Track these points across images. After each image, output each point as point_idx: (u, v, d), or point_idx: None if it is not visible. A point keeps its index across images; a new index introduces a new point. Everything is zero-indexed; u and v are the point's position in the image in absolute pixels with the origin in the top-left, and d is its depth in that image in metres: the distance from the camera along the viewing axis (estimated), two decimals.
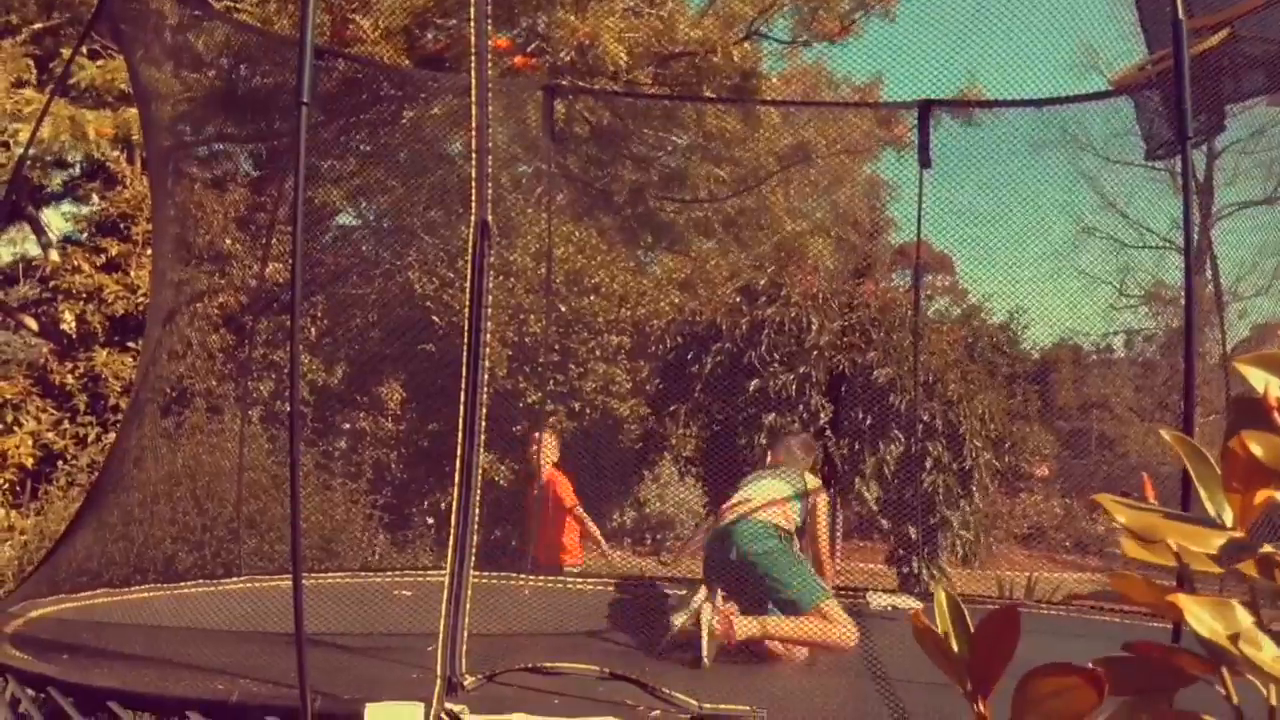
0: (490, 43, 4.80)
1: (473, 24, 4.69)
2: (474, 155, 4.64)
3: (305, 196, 9.86)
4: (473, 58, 4.68)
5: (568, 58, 10.67)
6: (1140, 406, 25.26)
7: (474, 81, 4.66)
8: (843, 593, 8.15)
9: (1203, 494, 1.39)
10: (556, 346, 9.71)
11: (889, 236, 14.30)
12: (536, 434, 8.66)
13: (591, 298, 10.31)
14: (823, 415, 9.81)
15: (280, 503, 8.76)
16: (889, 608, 7.44)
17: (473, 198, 4.63)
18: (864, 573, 11.02)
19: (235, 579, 7.53)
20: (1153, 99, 7.04)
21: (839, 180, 12.99)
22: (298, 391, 4.37)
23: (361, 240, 11.93)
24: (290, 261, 4.37)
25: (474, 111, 4.65)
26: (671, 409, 9.88)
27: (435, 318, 10.06)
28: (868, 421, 9.92)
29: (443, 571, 7.88)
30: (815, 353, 9.92)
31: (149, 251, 11.29)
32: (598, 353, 10.13)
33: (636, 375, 10.41)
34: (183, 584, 7.32)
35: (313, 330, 10.21)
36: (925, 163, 7.96)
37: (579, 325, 10.20)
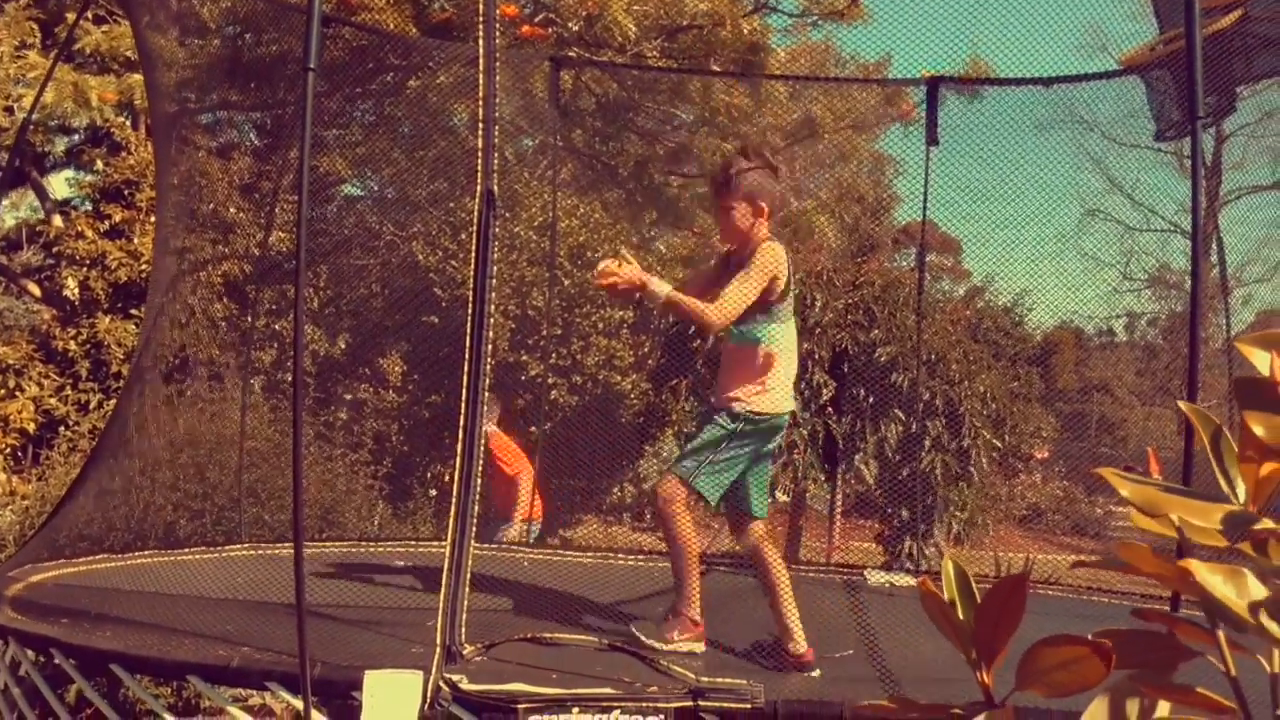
0: (498, 11, 4.76)
1: None
2: (481, 125, 4.62)
3: (310, 165, 9.88)
4: (481, 25, 4.67)
5: (575, 28, 10.63)
6: (1141, 390, 25.30)
7: (482, 50, 4.65)
8: (840, 570, 8.20)
9: (1215, 467, 1.40)
10: (559, 320, 9.69)
11: (894, 214, 14.31)
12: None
13: (595, 272, 10.30)
14: (825, 393, 9.82)
15: (281, 472, 8.78)
16: (887, 584, 7.46)
17: (479, 168, 4.62)
18: (860, 551, 11.05)
19: (236, 546, 7.55)
20: (1163, 79, 7.01)
21: (845, 157, 12.96)
22: (301, 361, 4.38)
23: (365, 210, 11.92)
24: (295, 230, 4.36)
25: (482, 80, 4.64)
26: (673, 384, 9.90)
27: (438, 289, 10.06)
28: (869, 400, 9.94)
29: (443, 543, 7.95)
30: (818, 330, 9.93)
31: (153, 218, 11.29)
32: (600, 327, 10.13)
33: (638, 350, 10.41)
34: (184, 550, 7.33)
35: (316, 300, 10.21)
36: (933, 140, 7.93)
37: (582, 299, 10.19)
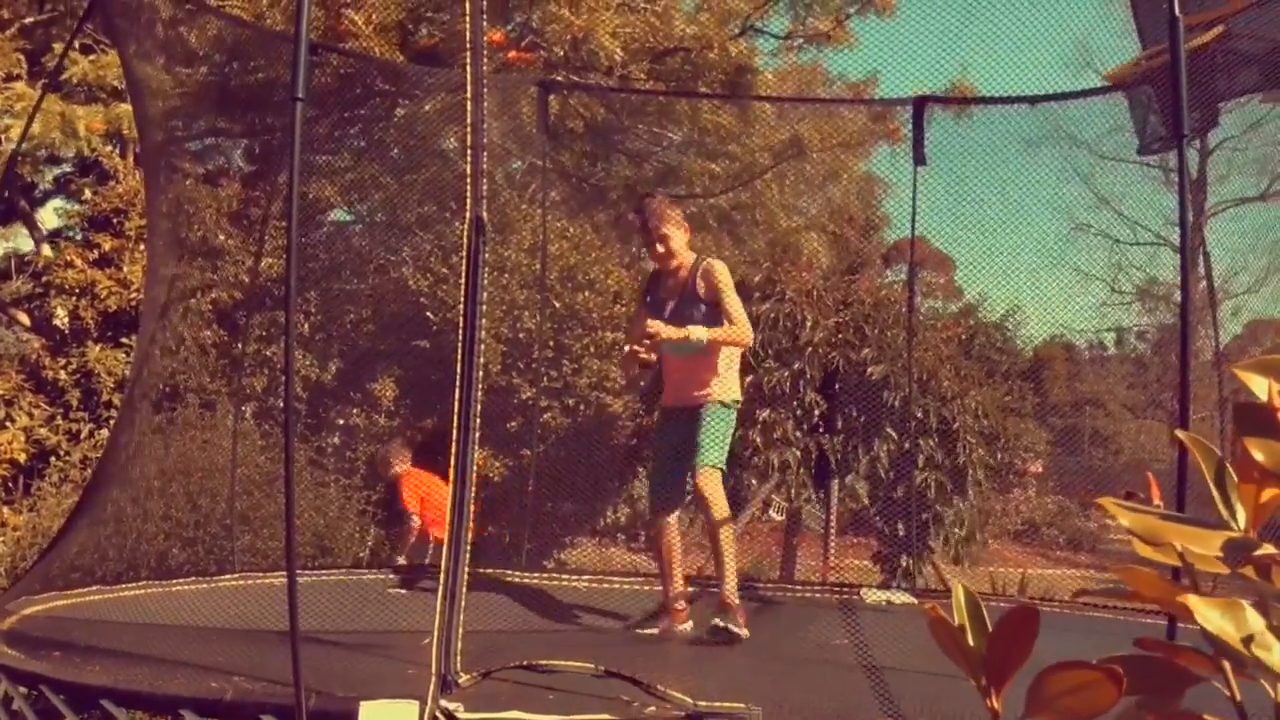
0: (485, 38, 4.76)
1: (468, 19, 4.67)
2: (470, 151, 4.61)
3: (299, 192, 9.87)
4: (468, 53, 4.66)
5: (561, 53, 10.64)
6: (1133, 403, 25.35)
7: (470, 77, 4.64)
8: (836, 589, 8.18)
9: (1216, 496, 1.39)
10: (551, 343, 9.68)
11: (883, 233, 14.34)
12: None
13: (585, 294, 10.28)
14: (816, 412, 9.81)
15: (273, 499, 8.75)
16: (883, 602, 7.45)
17: (468, 194, 4.61)
18: (855, 569, 11.03)
19: (228, 576, 7.52)
20: (1146, 95, 7.05)
21: (833, 176, 12.98)
22: (292, 387, 4.36)
23: (355, 236, 11.91)
24: (285, 256, 4.35)
25: (470, 107, 4.63)
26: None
27: (429, 314, 10.04)
28: (861, 419, 9.93)
29: (436, 569, 7.92)
30: (810, 349, 9.92)
31: (142, 247, 11.26)
32: (592, 349, 10.11)
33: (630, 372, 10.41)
34: (176, 581, 7.30)
35: (306, 326, 10.19)
36: (920, 160, 7.95)
37: (573, 321, 10.18)
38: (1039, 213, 9.93)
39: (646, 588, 7.80)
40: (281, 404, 9.91)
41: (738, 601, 6.00)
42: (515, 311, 9.97)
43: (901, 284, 14.11)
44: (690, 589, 6.50)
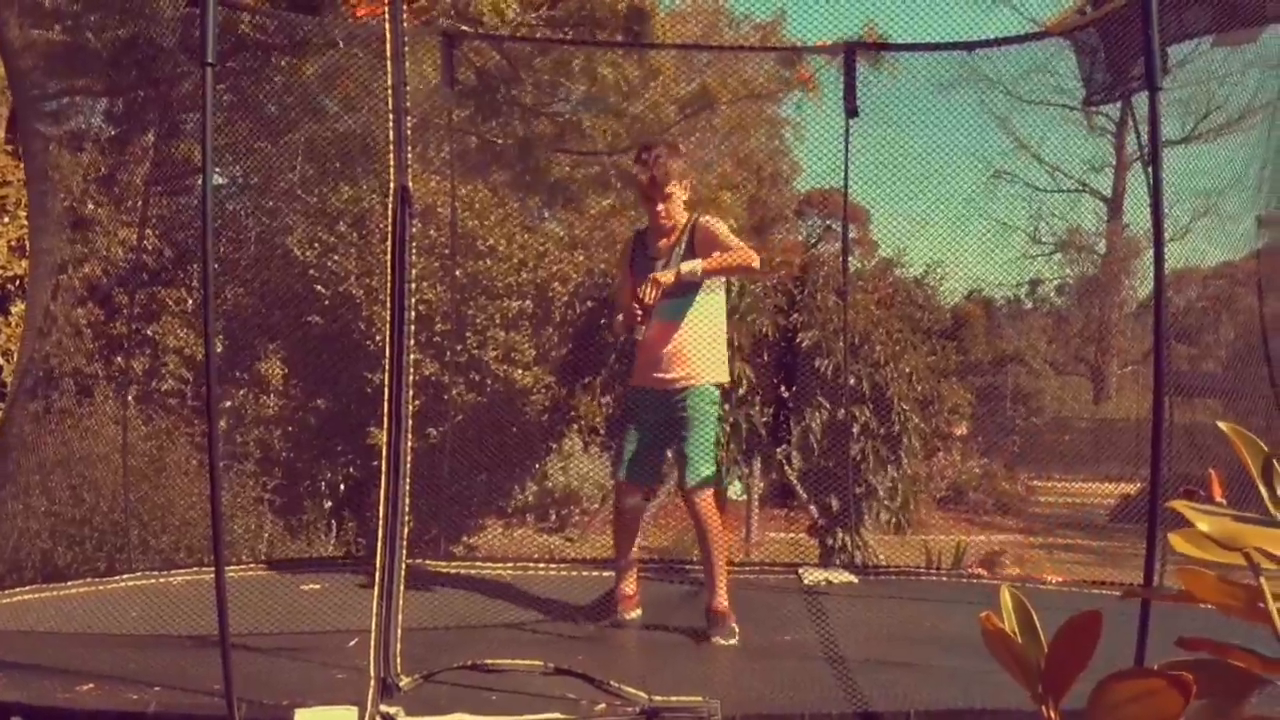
0: None
1: None
2: (392, 115, 4.59)
3: (168, 154, 9.67)
4: (387, 8, 4.64)
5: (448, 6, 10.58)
6: (1054, 358, 25.85)
7: (389, 33, 4.61)
8: (773, 569, 8.30)
9: (1264, 494, 1.45)
10: (453, 315, 9.62)
11: (796, 185, 14.44)
12: None
13: (486, 261, 10.22)
14: (744, 383, 9.87)
15: (161, 490, 8.65)
16: (822, 582, 7.57)
17: (391, 162, 4.59)
18: (786, 543, 11.16)
19: (123, 577, 7.43)
20: (1090, 43, 7.18)
21: (745, 127, 13.03)
22: (213, 368, 4.33)
23: (230, 200, 11.68)
24: (200, 228, 4.30)
25: (390, 67, 4.60)
26: (586, 381, 9.91)
27: (319, 287, 9.92)
28: (792, 388, 10.03)
29: (348, 561, 7.91)
30: (735, 316, 9.99)
31: (5, 219, 11.01)
32: (497, 319, 10.06)
33: (541, 342, 10.37)
34: (68, 584, 7.20)
35: (190, 301, 10.04)
36: (852, 111, 7.97)
37: (475, 290, 10.11)
38: (957, 161, 10.03)
39: (574, 574, 7.87)
40: (165, 387, 9.79)
41: (726, 605, 6.06)
42: (414, 283, 9.86)
43: (818, 239, 14.28)
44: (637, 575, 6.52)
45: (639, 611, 6.30)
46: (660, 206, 6.12)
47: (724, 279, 6.31)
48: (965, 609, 1.26)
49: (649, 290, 5.84)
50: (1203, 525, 1.37)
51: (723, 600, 6.05)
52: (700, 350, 6.06)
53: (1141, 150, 7.87)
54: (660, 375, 6.10)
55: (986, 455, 18.04)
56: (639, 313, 5.90)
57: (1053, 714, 1.45)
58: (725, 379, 6.26)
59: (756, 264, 6.06)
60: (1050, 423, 23.46)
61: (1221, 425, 1.53)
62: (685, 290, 6.00)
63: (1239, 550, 1.36)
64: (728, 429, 6.42)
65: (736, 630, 5.95)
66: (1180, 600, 1.48)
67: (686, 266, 5.88)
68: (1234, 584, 1.38)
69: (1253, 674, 1.41)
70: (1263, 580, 1.35)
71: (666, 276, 5.85)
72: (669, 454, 6.33)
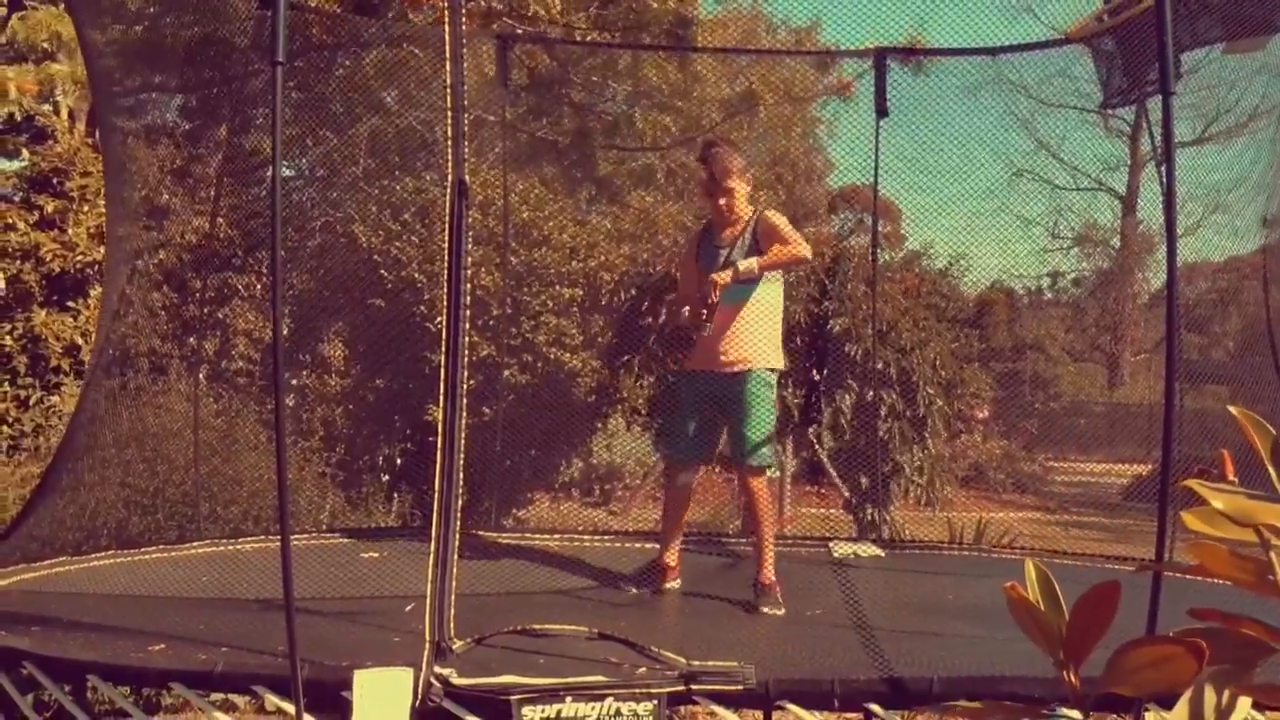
0: None
1: None
2: (450, 113, 4.61)
3: (240, 147, 9.74)
4: (447, 11, 4.65)
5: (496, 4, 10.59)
6: (1071, 347, 25.70)
7: (449, 35, 4.63)
8: (805, 543, 8.29)
9: (1273, 472, 1.44)
10: (509, 300, 9.66)
11: (829, 182, 14.41)
12: None
13: (542, 250, 10.26)
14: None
15: (231, 464, 8.71)
16: (852, 555, 7.57)
17: (450, 157, 4.61)
18: (818, 518, 11.17)
19: (194, 544, 7.49)
20: (1108, 48, 7.14)
21: (784, 128, 13.00)
22: (280, 349, 4.35)
23: (297, 191, 11.75)
24: (269, 218, 4.33)
25: (449, 67, 4.62)
26: (625, 360, 9.94)
27: (384, 271, 9.98)
28: (824, 371, 10.06)
29: (405, 530, 7.94)
30: None
31: (85, 208, 11.10)
32: (550, 305, 10.10)
33: (589, 328, 10.40)
34: (144, 549, 7.26)
35: (258, 286, 10.10)
36: (882, 111, 7.96)
37: (530, 278, 10.15)
38: (982, 159, 10.01)
39: (617, 545, 7.89)
40: (235, 367, 9.86)
41: (774, 578, 6.12)
42: (472, 269, 9.92)
43: (850, 232, 14.24)
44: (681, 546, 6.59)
45: (679, 582, 6.35)
46: (723, 201, 6.23)
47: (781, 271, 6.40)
48: (986, 582, 1.26)
49: (712, 291, 5.98)
50: (1217, 502, 1.37)
51: (770, 573, 6.12)
52: (758, 336, 6.15)
53: (1155, 151, 7.85)
54: (719, 359, 6.16)
55: (1007, 437, 17.96)
56: (704, 311, 6.02)
57: (1074, 678, 1.44)
58: (781, 364, 6.33)
59: (809, 256, 6.37)
60: (1067, 407, 23.34)
61: (1232, 409, 1.52)
62: (746, 281, 6.09)
63: (1251, 526, 1.36)
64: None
65: (782, 602, 6.00)
66: (1194, 574, 1.48)
67: (743, 265, 5.99)
68: (1246, 558, 1.37)
69: (1262, 642, 1.40)
70: (1273, 555, 1.33)
71: (724, 277, 5.98)
72: (722, 436, 6.34)
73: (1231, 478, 1.51)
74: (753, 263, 5.99)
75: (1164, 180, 4.20)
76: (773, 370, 6.23)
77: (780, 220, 6.18)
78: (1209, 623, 1.43)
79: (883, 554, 7.71)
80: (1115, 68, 7.17)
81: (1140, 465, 14.26)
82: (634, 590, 6.23)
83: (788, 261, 6.23)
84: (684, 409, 6.33)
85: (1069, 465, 20.14)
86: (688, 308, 6.24)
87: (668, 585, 6.29)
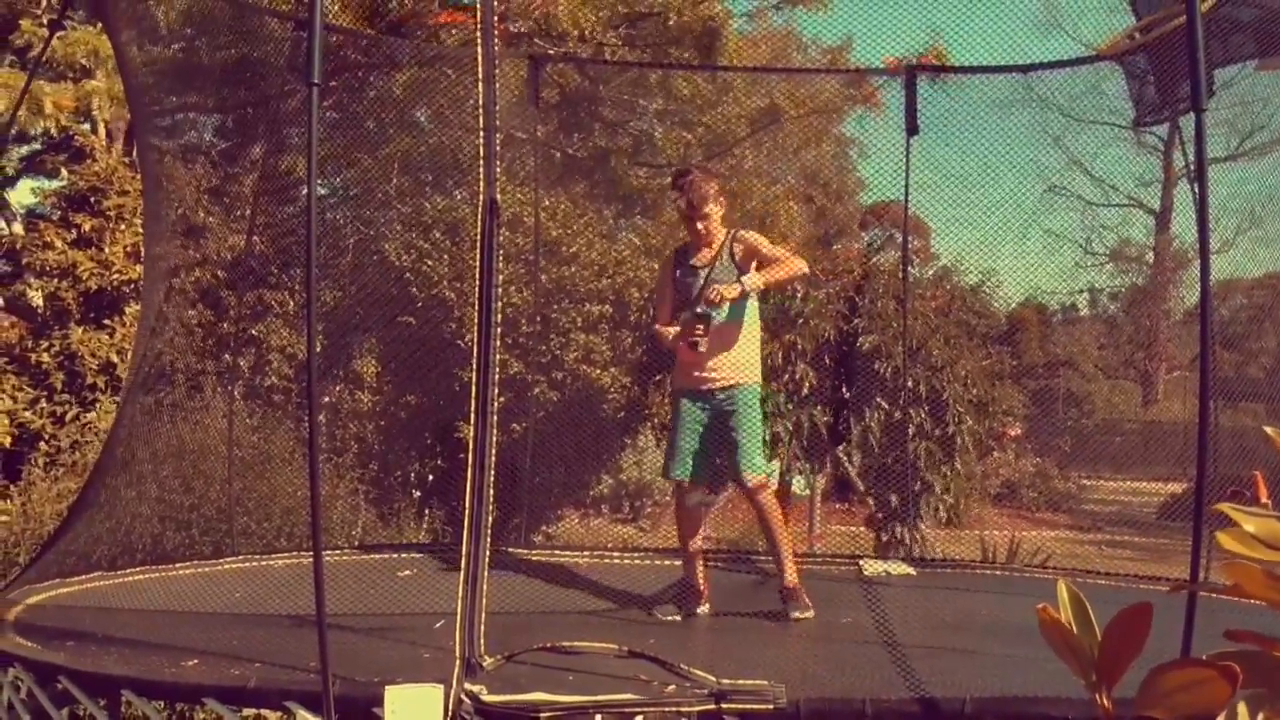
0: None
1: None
2: (482, 133, 4.61)
3: (275, 166, 9.80)
4: (479, 33, 4.66)
5: (524, 29, 10.65)
6: (1105, 364, 25.55)
7: (481, 56, 4.64)
8: (835, 560, 8.26)
9: None
10: (538, 317, 9.68)
11: (861, 199, 14.39)
12: None
13: (571, 267, 10.28)
14: (806, 384, 9.88)
15: (265, 480, 8.75)
16: (883, 573, 7.53)
17: (481, 176, 4.61)
18: (846, 536, 11.13)
19: (228, 560, 7.51)
20: (1140, 65, 7.11)
21: (811, 142, 12.99)
22: (314, 366, 4.37)
23: (333, 210, 11.82)
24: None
25: (481, 89, 4.63)
26: (657, 379, 9.94)
27: (414, 289, 10.01)
28: (853, 389, 10.03)
29: (436, 548, 7.94)
30: (800, 320, 9.99)
31: (122, 227, 11.19)
32: (579, 322, 10.11)
33: (618, 344, 10.40)
34: (177, 565, 7.29)
35: (291, 303, 10.15)
36: (913, 129, 7.96)
37: (559, 295, 10.17)
38: (1014, 176, 9.97)
39: (647, 562, 7.87)
40: (269, 383, 9.90)
41: (797, 581, 6.21)
42: (501, 286, 9.94)
43: (879, 247, 14.19)
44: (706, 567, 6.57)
45: (708, 606, 6.32)
46: (699, 225, 6.32)
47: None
48: (1019, 601, 1.25)
49: (716, 305, 6.02)
50: (1249, 526, 1.35)
51: (793, 577, 6.19)
52: (747, 353, 6.27)
53: (1188, 167, 7.80)
54: (705, 377, 6.24)
55: (1040, 455, 17.87)
56: (699, 327, 6.02)
57: (1106, 701, 1.42)
58: (760, 379, 6.42)
59: (807, 270, 6.49)
60: (1101, 425, 23.23)
61: (1268, 430, 1.51)
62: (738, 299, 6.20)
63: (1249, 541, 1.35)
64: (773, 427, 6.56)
65: (810, 604, 6.06)
66: (1229, 595, 1.46)
67: (749, 281, 6.07)
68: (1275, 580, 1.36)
69: None
70: None
71: (732, 291, 6.03)
72: (722, 451, 6.33)
73: (1265, 499, 1.49)
74: (758, 279, 6.09)
75: (1196, 196, 4.16)
76: (760, 381, 6.37)
77: (760, 239, 6.36)
78: (1245, 645, 1.41)
79: (914, 572, 7.66)
80: (1147, 84, 7.13)
81: (1175, 484, 14.17)
82: (668, 617, 6.19)
83: (791, 277, 6.38)
84: (683, 429, 6.37)
85: (1103, 484, 20.03)
86: (674, 329, 6.28)
87: (698, 610, 6.27)
